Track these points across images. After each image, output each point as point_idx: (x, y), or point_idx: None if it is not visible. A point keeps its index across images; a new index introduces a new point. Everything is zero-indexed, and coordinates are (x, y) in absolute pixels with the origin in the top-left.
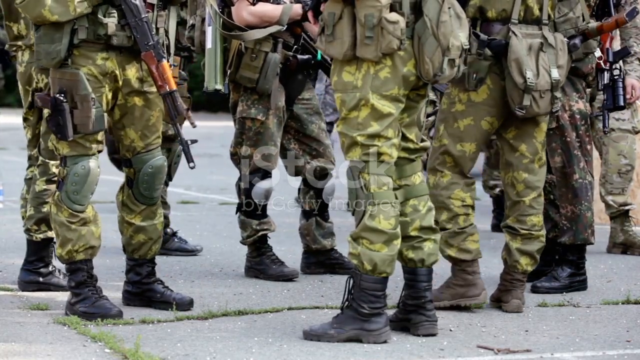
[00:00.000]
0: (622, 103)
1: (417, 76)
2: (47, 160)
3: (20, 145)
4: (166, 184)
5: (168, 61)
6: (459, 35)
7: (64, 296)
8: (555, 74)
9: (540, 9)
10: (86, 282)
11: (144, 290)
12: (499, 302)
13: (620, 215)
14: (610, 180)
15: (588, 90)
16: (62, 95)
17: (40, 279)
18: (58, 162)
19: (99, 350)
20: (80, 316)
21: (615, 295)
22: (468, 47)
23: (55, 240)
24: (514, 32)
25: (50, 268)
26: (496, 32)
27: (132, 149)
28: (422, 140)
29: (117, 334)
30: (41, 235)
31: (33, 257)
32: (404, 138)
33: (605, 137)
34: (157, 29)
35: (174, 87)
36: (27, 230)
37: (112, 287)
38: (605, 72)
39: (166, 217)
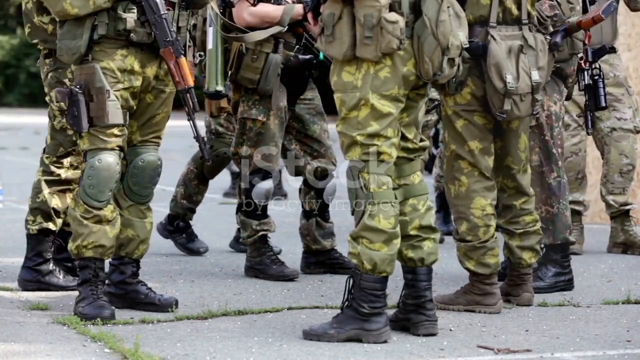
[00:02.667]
0: (603, 104)
1: (417, 76)
2: (45, 154)
3: (21, 145)
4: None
5: (187, 59)
6: (459, 34)
7: (64, 296)
8: (535, 76)
9: (519, 8)
10: (90, 280)
11: (127, 292)
12: (508, 295)
13: (620, 215)
14: (611, 180)
15: (565, 90)
16: (79, 87)
17: (41, 278)
18: (54, 158)
19: (98, 350)
20: (78, 316)
21: (615, 295)
22: (467, 46)
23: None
24: (492, 36)
25: (50, 266)
26: (475, 35)
27: (129, 140)
28: (421, 140)
29: (117, 334)
30: (36, 227)
31: (31, 253)
32: (403, 138)
33: (607, 136)
34: (179, 28)
35: (192, 84)
36: (26, 223)
37: None
38: (586, 72)
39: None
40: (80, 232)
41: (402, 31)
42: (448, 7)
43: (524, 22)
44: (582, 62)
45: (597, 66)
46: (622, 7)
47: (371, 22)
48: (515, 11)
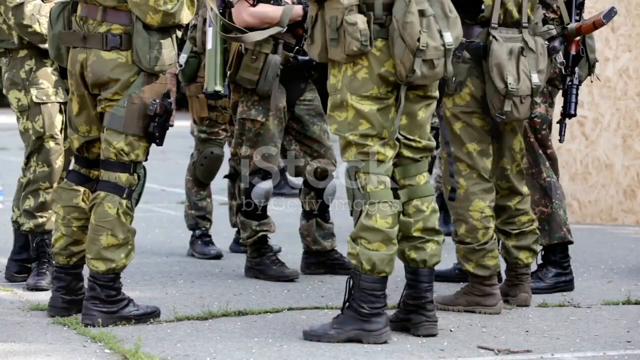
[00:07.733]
0: (572, 111)
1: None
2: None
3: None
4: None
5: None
6: (442, 35)
7: None
8: (535, 78)
9: (520, 12)
10: (120, 288)
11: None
12: (506, 296)
13: None
14: None
15: (554, 93)
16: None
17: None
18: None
19: (98, 350)
20: (133, 319)
21: (615, 296)
22: (453, 46)
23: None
24: (494, 37)
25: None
26: (476, 35)
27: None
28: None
29: (117, 334)
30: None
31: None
32: (406, 138)
33: None
34: None
35: None
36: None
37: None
38: (567, 78)
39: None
40: (133, 246)
41: (362, 33)
42: (423, 9)
43: (524, 25)
44: (562, 67)
45: (574, 72)
46: (623, 9)
47: (335, 24)
48: (515, 14)
